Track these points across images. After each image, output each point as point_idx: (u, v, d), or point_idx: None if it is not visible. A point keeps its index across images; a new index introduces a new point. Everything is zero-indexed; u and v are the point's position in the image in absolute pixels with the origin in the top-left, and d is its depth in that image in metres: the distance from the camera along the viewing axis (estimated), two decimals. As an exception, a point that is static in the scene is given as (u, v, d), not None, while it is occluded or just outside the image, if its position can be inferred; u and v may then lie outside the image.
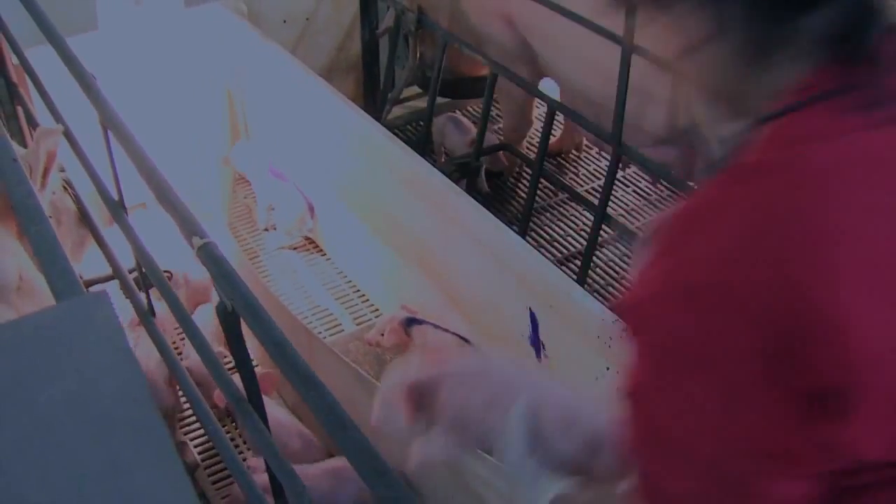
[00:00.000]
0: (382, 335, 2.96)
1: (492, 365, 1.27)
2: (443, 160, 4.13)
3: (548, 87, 3.69)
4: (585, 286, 3.19)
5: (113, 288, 2.53)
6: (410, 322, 2.95)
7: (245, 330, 1.42)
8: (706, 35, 0.97)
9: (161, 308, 2.24)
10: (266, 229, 3.87)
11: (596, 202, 3.39)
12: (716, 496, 0.92)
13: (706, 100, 1.06)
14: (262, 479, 1.87)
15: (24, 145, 2.65)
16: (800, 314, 0.83)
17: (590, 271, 3.43)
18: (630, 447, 0.97)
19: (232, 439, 2.92)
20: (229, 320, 1.43)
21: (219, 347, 2.96)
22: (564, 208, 4.05)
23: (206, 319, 2.96)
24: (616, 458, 1.11)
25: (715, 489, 0.92)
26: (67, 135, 2.19)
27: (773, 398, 0.86)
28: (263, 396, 2.41)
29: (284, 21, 4.19)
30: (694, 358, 0.89)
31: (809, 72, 0.94)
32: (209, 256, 1.41)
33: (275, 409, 2.72)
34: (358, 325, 3.43)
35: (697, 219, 0.92)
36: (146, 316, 2.20)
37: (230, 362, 1.60)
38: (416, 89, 4.55)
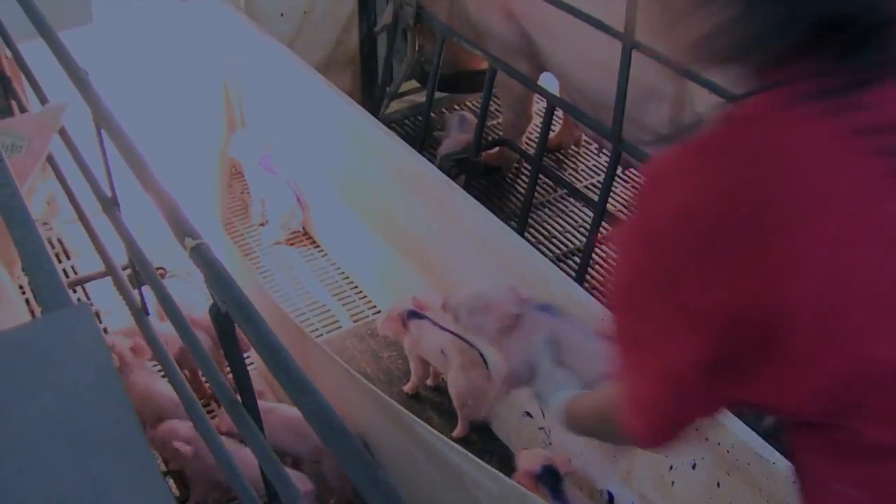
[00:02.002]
0: None
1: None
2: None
3: (547, 82, 3.66)
4: (585, 283, 3.16)
5: (107, 284, 2.50)
6: (411, 315, 2.93)
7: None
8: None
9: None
10: (262, 224, 3.85)
11: (596, 198, 3.35)
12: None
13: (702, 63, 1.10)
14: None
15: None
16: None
17: (589, 268, 3.40)
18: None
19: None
20: (223, 323, 1.40)
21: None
22: (564, 204, 4.02)
23: None
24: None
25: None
26: (61, 130, 2.16)
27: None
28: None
29: (282, 15, 4.16)
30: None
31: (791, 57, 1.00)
32: (202, 258, 1.37)
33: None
34: (355, 322, 3.40)
35: (657, 181, 1.07)
36: (139, 313, 2.17)
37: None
38: (414, 84, 4.51)
